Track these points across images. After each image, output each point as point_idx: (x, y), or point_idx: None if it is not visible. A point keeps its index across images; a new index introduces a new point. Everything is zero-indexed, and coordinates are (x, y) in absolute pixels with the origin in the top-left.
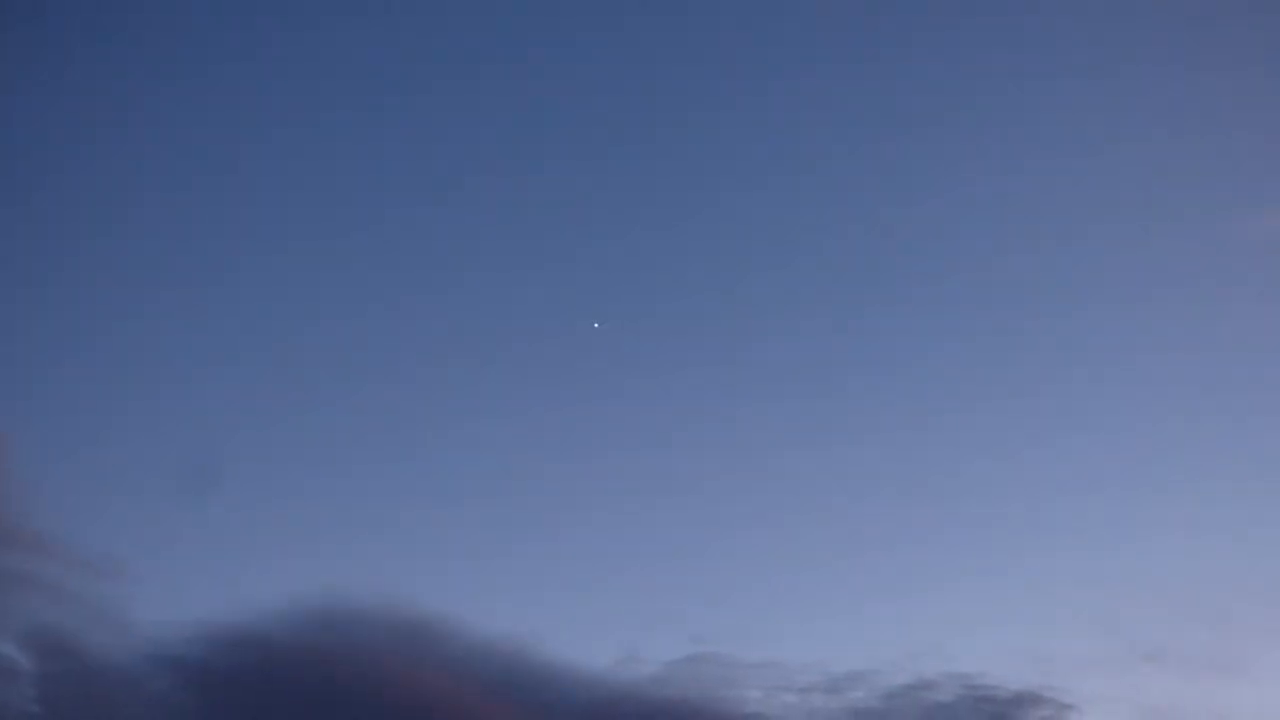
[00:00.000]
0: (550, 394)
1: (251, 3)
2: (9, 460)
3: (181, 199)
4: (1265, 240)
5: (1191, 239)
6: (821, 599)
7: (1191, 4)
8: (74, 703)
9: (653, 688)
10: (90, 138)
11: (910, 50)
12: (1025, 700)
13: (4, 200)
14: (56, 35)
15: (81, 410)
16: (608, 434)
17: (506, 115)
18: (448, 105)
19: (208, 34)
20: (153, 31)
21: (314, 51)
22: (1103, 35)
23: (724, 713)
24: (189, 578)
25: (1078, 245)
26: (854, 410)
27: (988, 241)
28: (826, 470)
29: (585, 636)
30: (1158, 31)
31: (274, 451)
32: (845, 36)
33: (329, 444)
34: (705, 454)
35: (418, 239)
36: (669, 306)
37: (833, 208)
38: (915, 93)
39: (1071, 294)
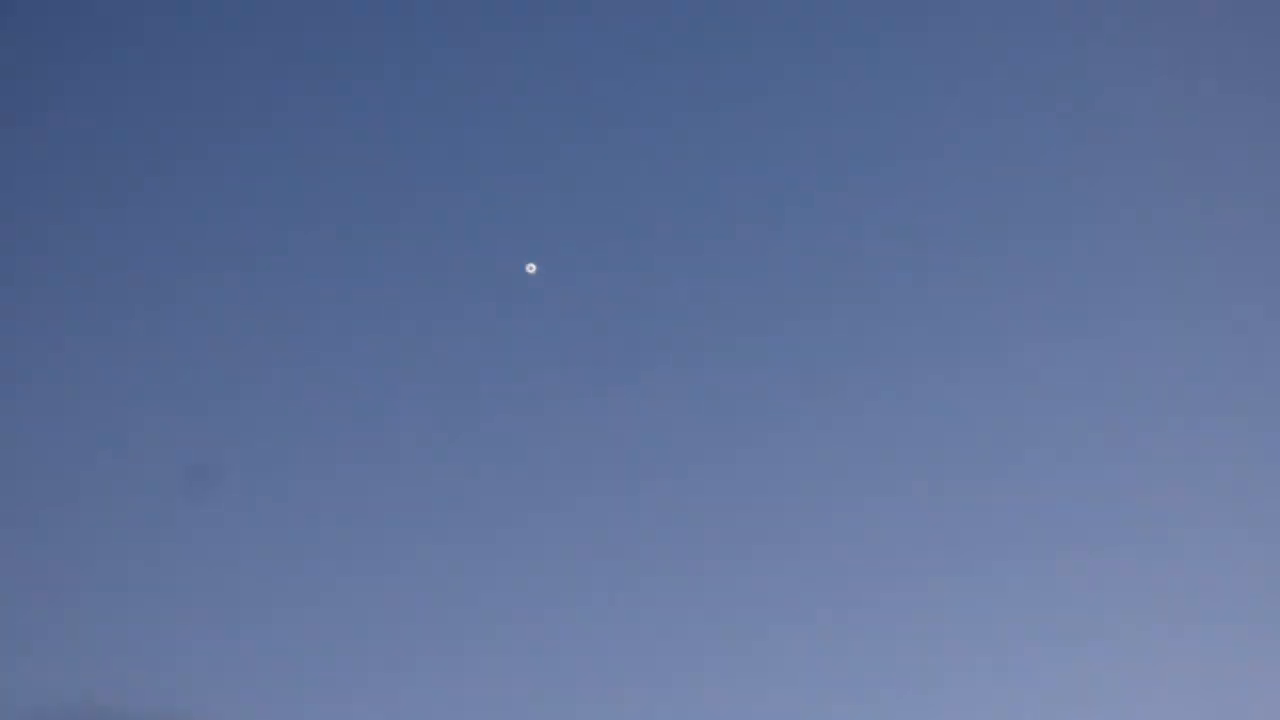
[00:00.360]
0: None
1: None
2: None
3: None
4: None
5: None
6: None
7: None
8: None
9: None
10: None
11: (914, 47)
12: None
13: None
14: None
15: None
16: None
17: (516, 113)
18: (453, 104)
19: (206, 31)
20: (148, 30)
21: (316, 49)
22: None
23: None
24: None
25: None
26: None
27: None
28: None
29: None
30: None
31: None
32: (853, 33)
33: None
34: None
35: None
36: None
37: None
38: (920, 87)
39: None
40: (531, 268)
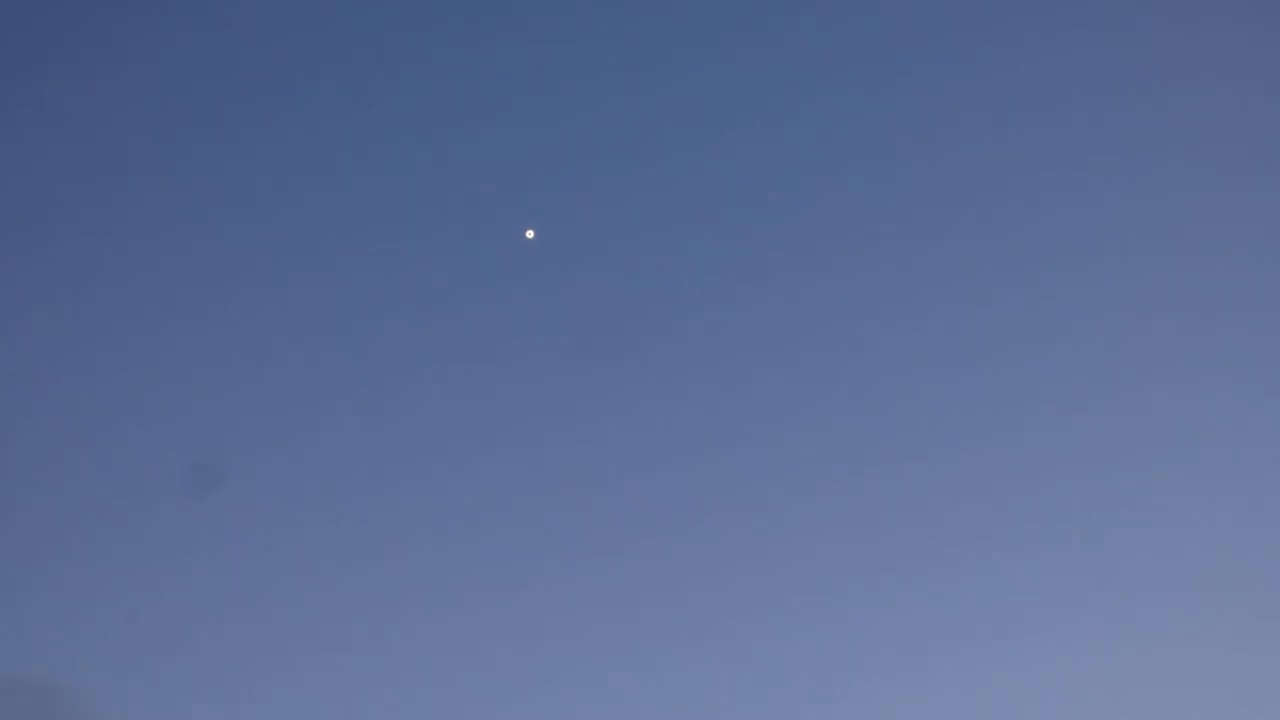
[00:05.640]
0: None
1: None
2: None
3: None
4: None
5: None
6: None
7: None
8: None
9: None
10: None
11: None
12: None
13: None
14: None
15: None
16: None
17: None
18: (459, 110)
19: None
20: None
21: (324, 51)
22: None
23: None
24: None
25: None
26: None
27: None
28: None
29: None
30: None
31: None
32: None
33: None
34: None
35: None
36: None
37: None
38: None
39: None
40: (530, 234)
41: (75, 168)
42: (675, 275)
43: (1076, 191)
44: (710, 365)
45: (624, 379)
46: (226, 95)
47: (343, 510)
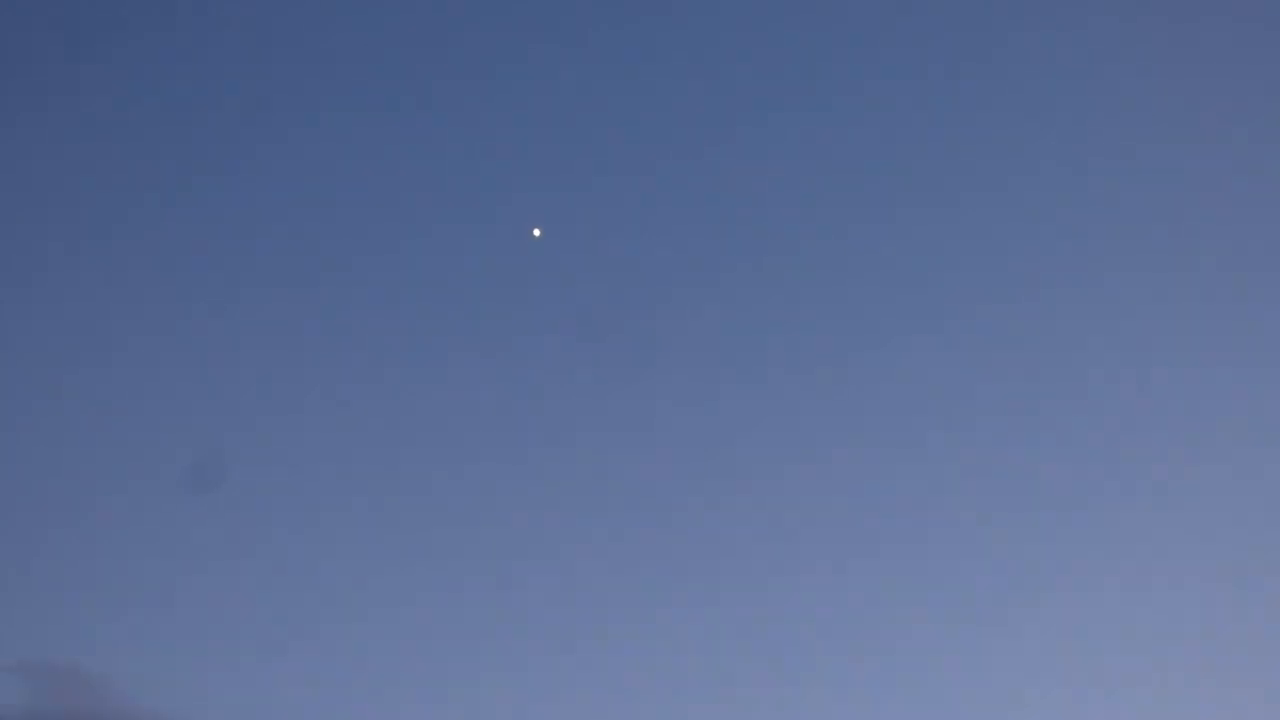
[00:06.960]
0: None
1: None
2: None
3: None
4: None
5: None
6: None
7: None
8: None
9: None
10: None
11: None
12: None
13: None
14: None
15: None
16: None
17: (526, 118)
18: (461, 108)
19: (211, 28)
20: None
21: (328, 49)
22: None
23: None
24: None
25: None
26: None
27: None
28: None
29: None
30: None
31: None
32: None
33: None
34: None
35: None
36: None
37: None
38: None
39: None
40: (537, 232)
41: (75, 166)
42: (683, 273)
43: (1077, 190)
44: (718, 363)
45: (632, 377)
46: (229, 93)
47: (353, 502)
